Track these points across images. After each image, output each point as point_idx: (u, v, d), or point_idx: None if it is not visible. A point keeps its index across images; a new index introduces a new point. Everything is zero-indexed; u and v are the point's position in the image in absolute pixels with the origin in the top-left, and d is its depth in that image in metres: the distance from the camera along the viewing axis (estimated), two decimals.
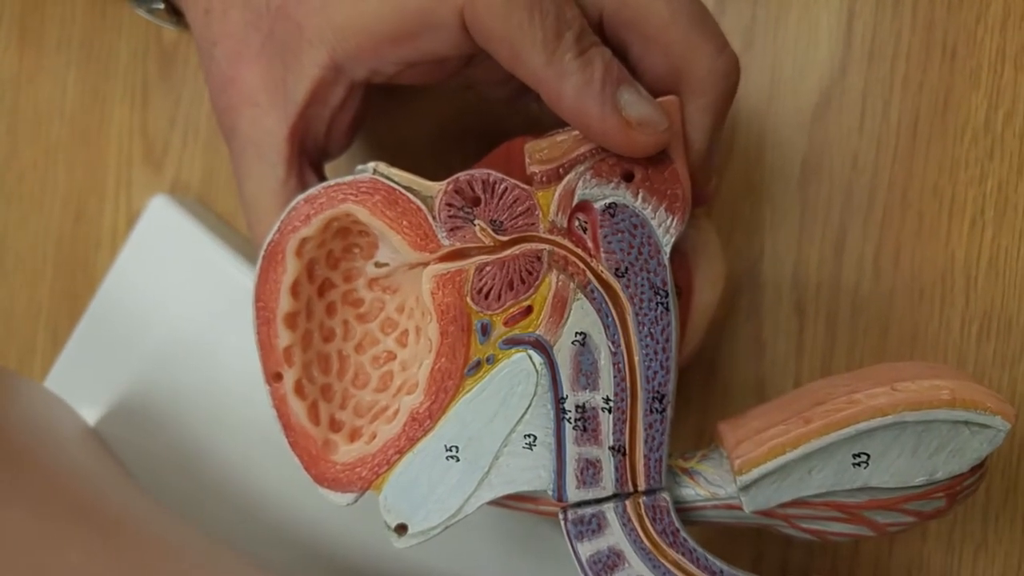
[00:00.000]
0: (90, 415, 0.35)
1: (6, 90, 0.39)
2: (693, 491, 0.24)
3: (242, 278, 0.34)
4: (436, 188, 0.24)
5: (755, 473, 0.22)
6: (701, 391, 0.32)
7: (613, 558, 0.24)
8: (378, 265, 0.26)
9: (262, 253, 0.25)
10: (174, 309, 0.35)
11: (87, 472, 0.31)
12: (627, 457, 0.24)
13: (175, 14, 0.32)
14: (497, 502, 0.25)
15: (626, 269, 0.23)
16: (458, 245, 0.24)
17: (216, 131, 0.36)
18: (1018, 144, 0.30)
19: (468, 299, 0.24)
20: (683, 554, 0.23)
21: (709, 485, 0.24)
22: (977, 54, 0.30)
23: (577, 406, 0.24)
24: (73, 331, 0.36)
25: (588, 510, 0.24)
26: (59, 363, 0.36)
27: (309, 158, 0.27)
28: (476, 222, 0.23)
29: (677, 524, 0.23)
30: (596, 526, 0.24)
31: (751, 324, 0.32)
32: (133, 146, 0.37)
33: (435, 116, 0.34)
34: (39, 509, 0.26)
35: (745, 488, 0.23)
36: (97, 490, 0.29)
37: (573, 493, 0.24)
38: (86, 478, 0.30)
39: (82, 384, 0.36)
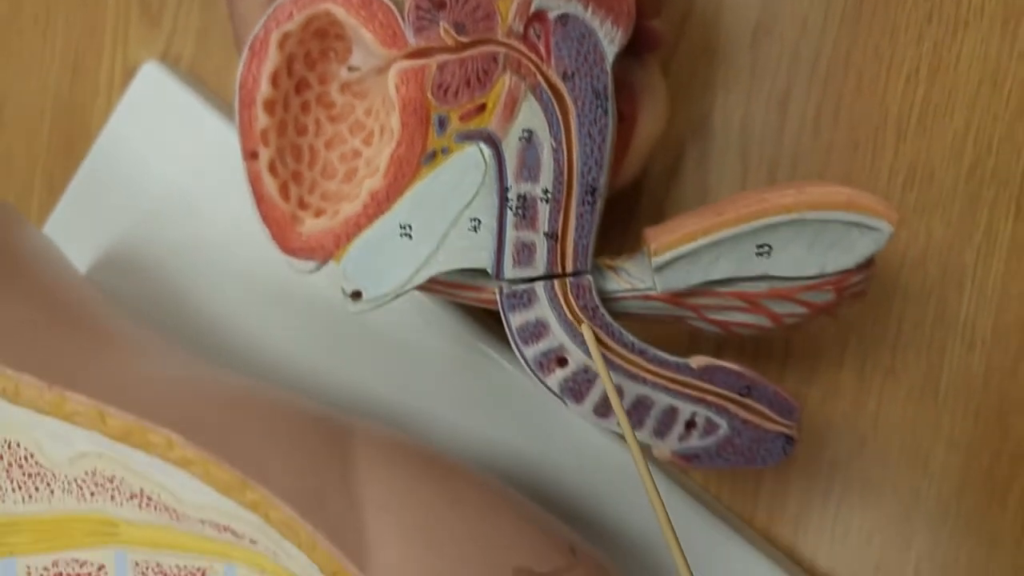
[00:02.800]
0: (81, 266, 0.38)
1: None
2: (615, 284, 0.27)
3: (231, 139, 0.36)
4: None
5: (668, 255, 0.25)
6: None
7: (539, 328, 0.27)
8: (351, 69, 0.28)
9: (247, 47, 0.27)
10: (163, 168, 0.37)
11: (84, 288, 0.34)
12: (558, 242, 0.26)
13: None
14: (444, 292, 0.28)
15: (572, 73, 0.26)
16: (423, 44, 0.26)
17: None
18: (954, 8, 0.32)
19: (429, 94, 0.26)
20: (600, 327, 0.26)
21: (630, 278, 0.27)
22: None
23: (519, 195, 0.26)
24: (65, 190, 0.38)
25: (521, 287, 0.27)
26: (50, 222, 0.38)
27: None
28: (441, 24, 0.26)
29: (596, 302, 0.26)
30: (527, 300, 0.27)
31: (699, 172, 0.34)
32: (131, 3, 0.40)
33: None
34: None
35: (659, 269, 0.25)
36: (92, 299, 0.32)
37: (509, 271, 0.26)
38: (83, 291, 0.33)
39: (72, 241, 0.38)
